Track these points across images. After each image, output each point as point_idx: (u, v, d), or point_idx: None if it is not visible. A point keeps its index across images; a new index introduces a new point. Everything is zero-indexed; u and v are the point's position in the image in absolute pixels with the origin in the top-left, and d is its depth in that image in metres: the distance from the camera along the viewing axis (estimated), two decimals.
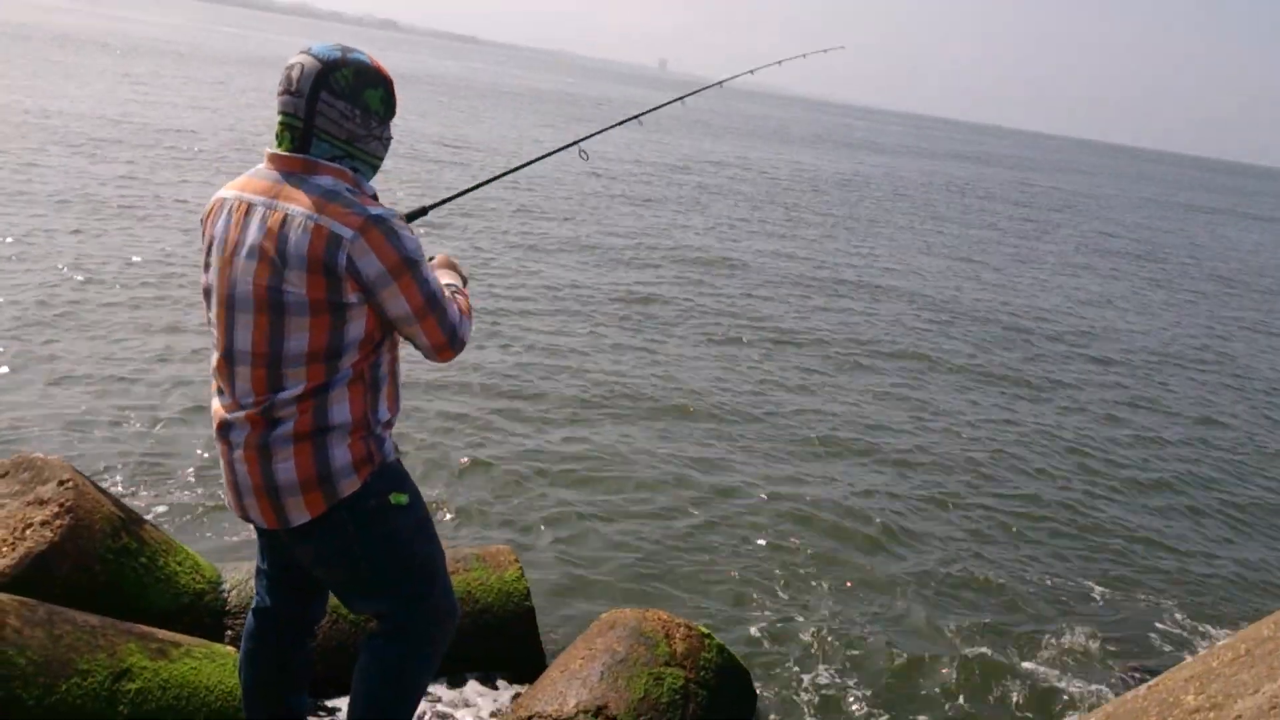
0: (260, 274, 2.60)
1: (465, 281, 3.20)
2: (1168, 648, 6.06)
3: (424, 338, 2.77)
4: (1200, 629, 6.35)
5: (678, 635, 4.38)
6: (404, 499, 2.90)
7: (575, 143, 4.62)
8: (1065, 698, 5.38)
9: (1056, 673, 5.61)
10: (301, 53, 2.67)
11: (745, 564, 6.43)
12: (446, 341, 2.80)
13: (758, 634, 5.67)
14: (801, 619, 5.86)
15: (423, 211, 3.52)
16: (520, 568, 4.84)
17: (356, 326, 2.66)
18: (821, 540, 6.87)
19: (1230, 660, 2.96)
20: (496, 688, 4.59)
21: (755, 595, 6.07)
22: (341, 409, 2.71)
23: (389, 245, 2.59)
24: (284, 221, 2.56)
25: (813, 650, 5.56)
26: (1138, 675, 5.47)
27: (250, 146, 22.46)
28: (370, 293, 2.62)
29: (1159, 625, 6.35)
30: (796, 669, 5.37)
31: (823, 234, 22.19)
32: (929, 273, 19.00)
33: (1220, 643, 3.13)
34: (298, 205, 2.58)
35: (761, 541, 6.74)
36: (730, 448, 8.40)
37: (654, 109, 5.37)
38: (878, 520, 7.23)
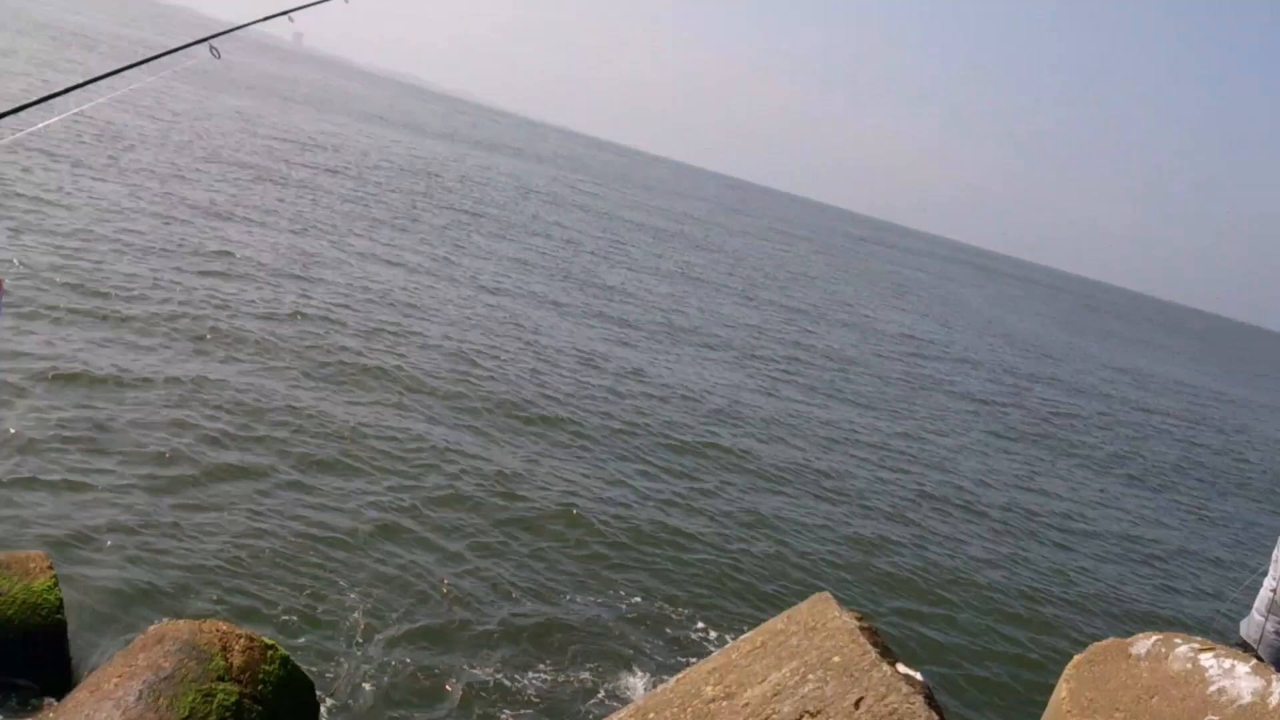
0: None
1: None
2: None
3: None
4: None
5: (237, 647, 4.11)
6: None
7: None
8: (605, 696, 5.71)
9: (595, 675, 5.96)
10: None
11: (335, 574, 6.18)
12: None
13: (335, 643, 5.48)
14: (380, 630, 5.73)
15: None
16: (54, 576, 4.29)
17: None
18: (400, 552, 6.77)
19: (748, 652, 3.34)
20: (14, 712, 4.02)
21: (336, 605, 5.86)
22: None
23: None
24: None
25: (385, 660, 5.46)
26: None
27: None
28: None
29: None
30: (366, 679, 5.27)
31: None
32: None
33: (744, 635, 3.52)
34: None
35: (348, 553, 6.52)
36: (335, 458, 8.07)
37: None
38: (456, 543, 7.23)
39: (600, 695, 5.70)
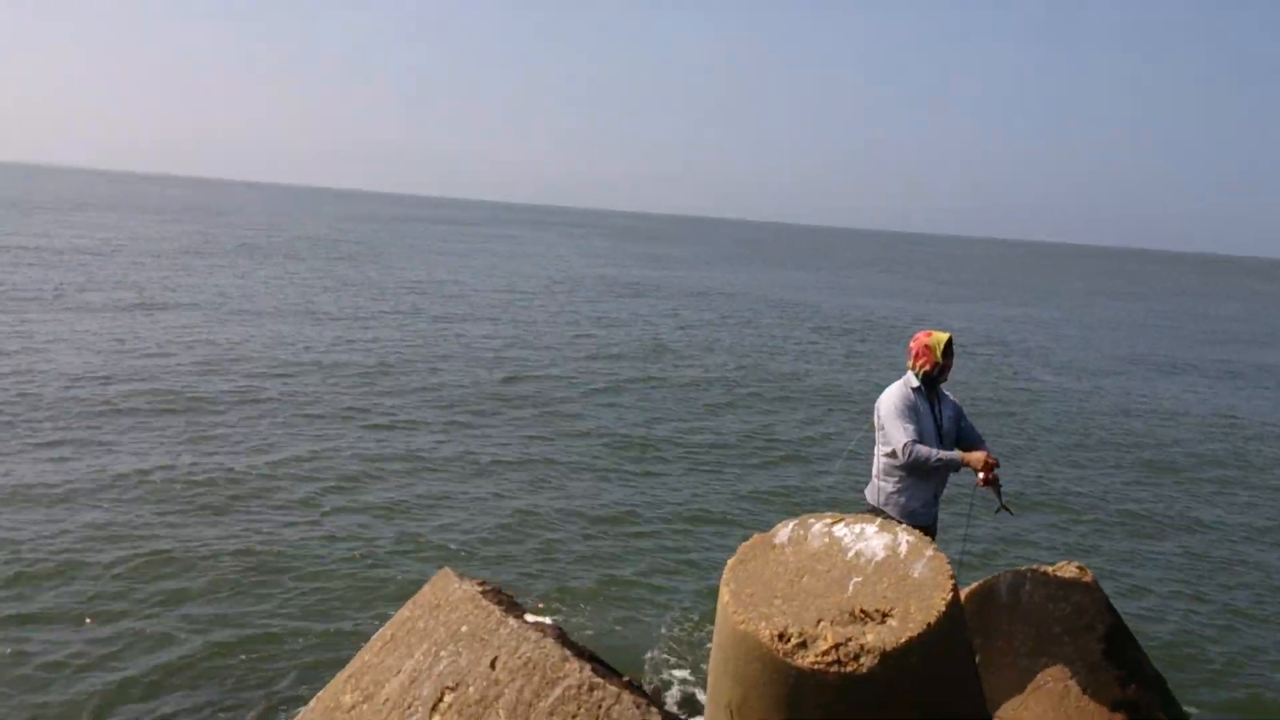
0: None
1: None
2: None
3: None
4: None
5: None
6: None
7: None
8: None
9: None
10: None
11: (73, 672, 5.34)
12: None
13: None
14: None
15: None
16: None
17: None
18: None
19: (380, 649, 3.26)
20: None
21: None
22: None
23: None
24: None
25: None
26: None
27: None
28: None
29: None
30: None
31: None
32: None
33: (375, 634, 3.41)
34: None
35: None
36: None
37: None
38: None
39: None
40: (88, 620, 6.17)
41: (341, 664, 5.76)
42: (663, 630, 6.62)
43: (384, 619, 5.73)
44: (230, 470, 9.24)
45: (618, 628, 6.57)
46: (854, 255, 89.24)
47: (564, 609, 6.63)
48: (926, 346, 4.92)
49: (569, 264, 45.34)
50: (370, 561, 7.40)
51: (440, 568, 3.47)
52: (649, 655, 6.12)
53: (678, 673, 5.95)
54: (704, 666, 6.06)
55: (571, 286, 31.92)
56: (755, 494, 10.08)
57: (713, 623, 4.00)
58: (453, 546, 7.80)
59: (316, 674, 5.51)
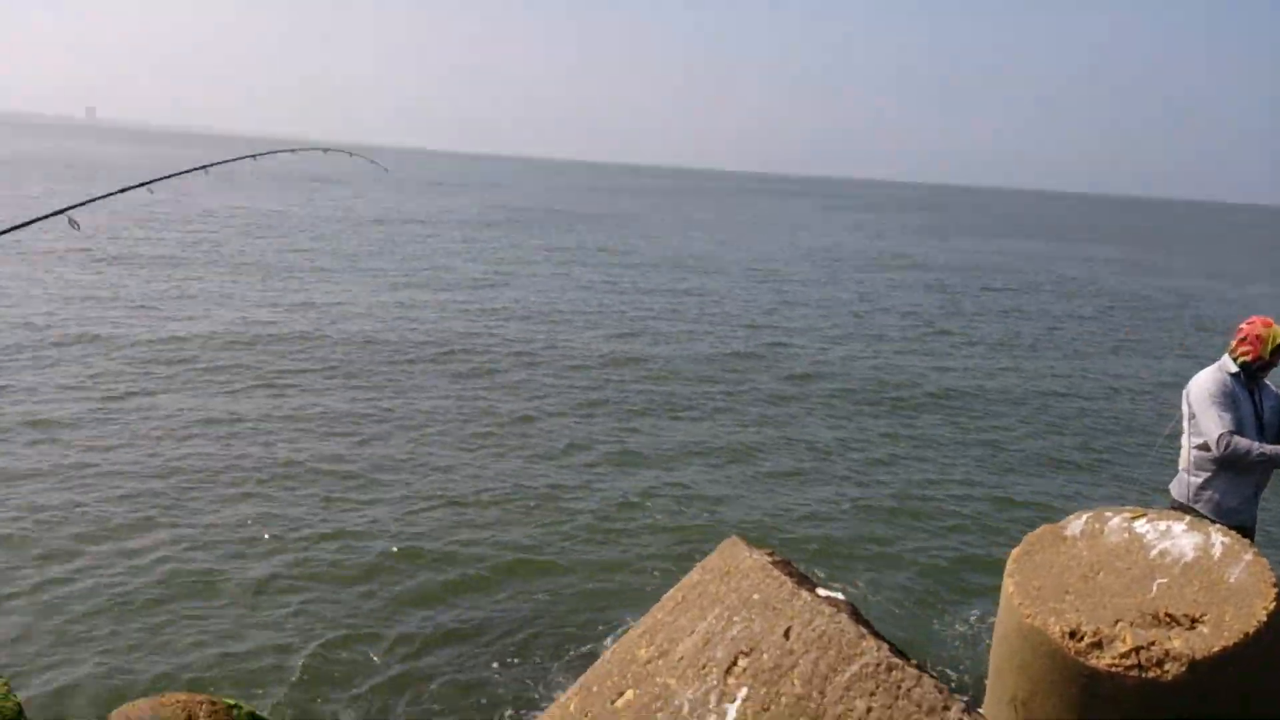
0: None
1: None
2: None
3: None
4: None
5: (201, 713, 4.14)
6: None
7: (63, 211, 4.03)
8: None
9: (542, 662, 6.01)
10: None
11: (283, 637, 6.09)
12: None
13: (291, 687, 5.47)
14: (344, 680, 5.68)
15: None
16: (7, 684, 4.28)
17: None
18: (342, 608, 6.65)
19: (671, 609, 3.42)
20: None
21: (293, 662, 5.79)
22: None
23: None
24: None
25: (354, 706, 5.43)
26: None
27: None
28: None
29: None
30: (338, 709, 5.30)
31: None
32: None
33: (665, 595, 3.59)
34: None
35: (297, 615, 6.41)
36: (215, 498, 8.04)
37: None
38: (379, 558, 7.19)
39: (548, 679, 5.68)
40: (399, 549, 6.89)
41: (605, 623, 6.22)
42: (940, 621, 6.55)
43: (668, 581, 6.09)
44: (544, 432, 9.96)
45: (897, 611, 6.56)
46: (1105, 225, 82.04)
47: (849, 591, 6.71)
48: (1259, 336, 4.49)
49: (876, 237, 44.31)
50: (664, 525, 7.82)
51: (729, 536, 3.61)
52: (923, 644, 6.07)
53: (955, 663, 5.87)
54: (960, 657, 5.92)
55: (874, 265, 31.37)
56: (1042, 488, 9.64)
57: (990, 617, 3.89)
58: (739, 520, 8.07)
59: (603, 623, 6.01)
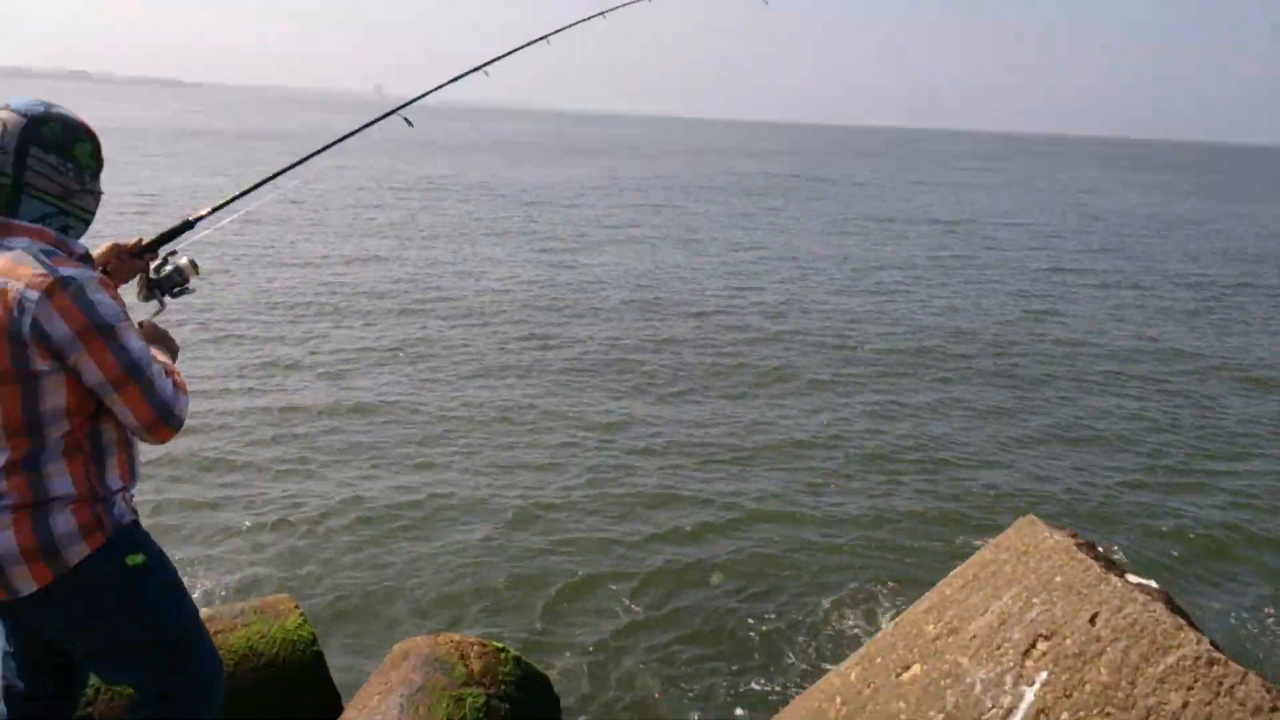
0: None
1: (175, 354, 3.07)
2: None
3: (128, 411, 2.61)
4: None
5: (473, 655, 4.39)
6: (140, 559, 2.79)
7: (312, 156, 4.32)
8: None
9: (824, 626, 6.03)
10: (0, 108, 2.56)
11: (527, 576, 6.48)
12: (156, 418, 2.64)
13: (552, 640, 5.75)
14: (591, 623, 5.97)
15: (187, 226, 3.35)
16: (302, 614, 4.67)
17: (54, 397, 2.52)
18: (592, 551, 6.99)
19: (961, 586, 3.33)
20: None
21: (539, 605, 6.13)
22: (61, 481, 2.59)
23: (77, 307, 2.47)
24: None
25: (607, 652, 5.69)
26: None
27: None
28: (62, 359, 2.49)
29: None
30: (596, 670, 5.50)
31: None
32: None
33: (953, 571, 3.50)
34: None
35: (540, 556, 6.80)
36: (494, 462, 8.43)
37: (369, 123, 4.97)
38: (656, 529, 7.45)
39: (821, 646, 5.78)
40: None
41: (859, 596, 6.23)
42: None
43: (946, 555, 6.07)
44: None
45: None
46: None
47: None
48: None
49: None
50: (953, 505, 7.81)
51: (1025, 515, 3.48)
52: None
53: None
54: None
55: None
56: None
57: None
58: (1038, 501, 7.96)
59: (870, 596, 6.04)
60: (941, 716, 2.97)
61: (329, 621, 5.67)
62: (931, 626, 3.25)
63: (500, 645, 4.56)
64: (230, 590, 6.06)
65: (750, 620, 6.08)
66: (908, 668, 3.21)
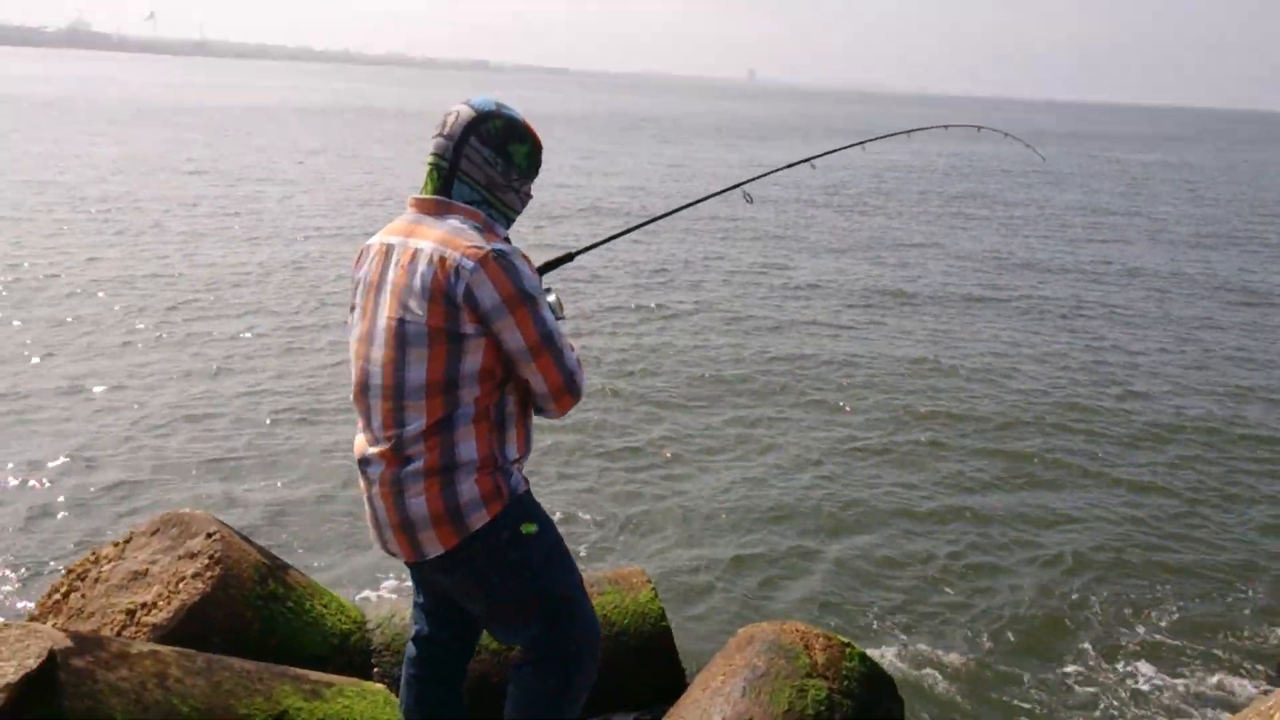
0: (391, 308, 2.74)
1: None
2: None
3: (540, 378, 2.80)
4: None
5: (817, 646, 4.27)
6: (534, 528, 2.95)
7: (737, 185, 4.46)
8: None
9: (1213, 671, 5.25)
10: (462, 102, 2.87)
11: (878, 575, 6.25)
12: (563, 384, 2.83)
13: (899, 641, 5.50)
14: (940, 627, 5.64)
15: (568, 257, 3.59)
16: (653, 588, 4.81)
17: (473, 359, 2.74)
18: (950, 548, 6.63)
19: None
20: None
21: (887, 603, 5.89)
22: (468, 447, 2.80)
23: (506, 277, 2.69)
24: (414, 256, 2.72)
25: (956, 658, 5.34)
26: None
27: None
28: (487, 323, 2.70)
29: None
30: (940, 674, 5.18)
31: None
32: None
33: None
34: (427, 241, 2.73)
35: (892, 552, 6.54)
36: (860, 462, 8.22)
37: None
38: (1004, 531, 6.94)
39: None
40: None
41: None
42: None
43: None
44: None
45: None
46: None
47: None
48: None
49: None
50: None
51: None
52: None
53: None
54: None
55: None
56: None
57: None
58: None
59: None
60: None
61: (674, 598, 5.82)
62: None
63: (845, 640, 4.41)
64: (585, 562, 6.42)
65: (1133, 637, 5.45)
66: None
